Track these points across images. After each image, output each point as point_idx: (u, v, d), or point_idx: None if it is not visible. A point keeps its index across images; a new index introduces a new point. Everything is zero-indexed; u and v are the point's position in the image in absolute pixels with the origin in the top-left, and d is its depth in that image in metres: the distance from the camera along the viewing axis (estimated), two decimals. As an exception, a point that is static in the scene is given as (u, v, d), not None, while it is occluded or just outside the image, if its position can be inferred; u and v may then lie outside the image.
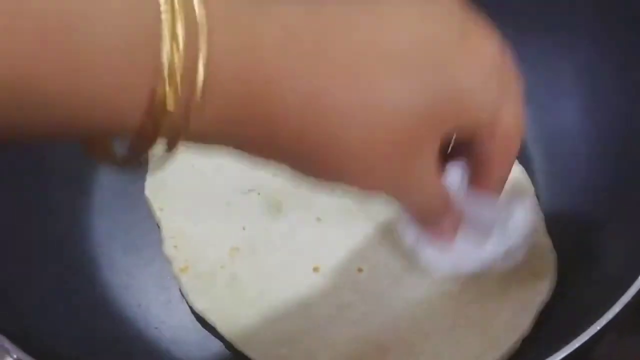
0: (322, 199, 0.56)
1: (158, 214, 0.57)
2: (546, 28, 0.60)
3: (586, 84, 0.59)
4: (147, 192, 0.58)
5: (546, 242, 0.53)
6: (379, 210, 0.55)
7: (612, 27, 0.57)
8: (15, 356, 0.42)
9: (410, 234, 0.45)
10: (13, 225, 0.53)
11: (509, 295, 0.52)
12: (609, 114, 0.57)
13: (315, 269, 0.54)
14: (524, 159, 0.59)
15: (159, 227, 0.57)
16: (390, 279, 0.53)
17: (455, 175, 0.42)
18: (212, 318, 0.53)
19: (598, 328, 0.42)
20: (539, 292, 0.51)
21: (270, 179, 0.56)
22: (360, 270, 0.54)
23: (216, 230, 0.56)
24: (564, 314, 0.51)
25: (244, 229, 0.56)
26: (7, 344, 0.43)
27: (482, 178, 0.42)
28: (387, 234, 0.55)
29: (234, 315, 0.53)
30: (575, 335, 0.43)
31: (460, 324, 0.51)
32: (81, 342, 0.50)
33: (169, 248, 0.56)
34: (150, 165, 0.57)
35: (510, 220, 0.45)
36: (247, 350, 0.51)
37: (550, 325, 0.51)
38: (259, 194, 0.57)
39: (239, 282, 0.54)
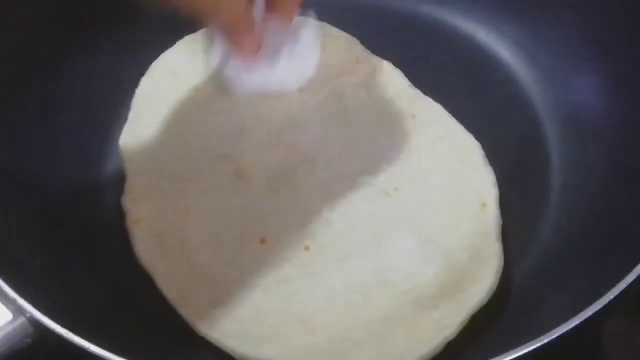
0: (285, 172, 0.58)
1: (127, 165, 0.60)
2: (566, 7, 0.62)
3: (605, 64, 0.60)
4: (122, 142, 0.61)
5: (495, 247, 0.54)
6: (338, 191, 0.57)
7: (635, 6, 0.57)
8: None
9: (219, 56, 0.57)
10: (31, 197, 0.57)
11: (445, 293, 0.53)
12: (629, 93, 0.58)
13: (263, 241, 0.56)
14: (539, 141, 0.60)
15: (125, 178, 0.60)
16: (335, 261, 0.55)
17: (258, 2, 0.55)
18: (154, 272, 0.56)
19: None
20: (473, 295, 0.52)
21: (241, 147, 0.59)
22: (307, 248, 0.56)
23: (176, 190, 0.59)
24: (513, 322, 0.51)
25: (203, 192, 0.58)
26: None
27: (276, 5, 0.55)
28: (340, 214, 0.56)
29: (174, 273, 0.56)
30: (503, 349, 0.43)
31: (391, 317, 0.52)
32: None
33: (127, 200, 0.59)
34: (131, 114, 0.61)
35: (299, 44, 0.58)
36: (180, 307, 0.54)
37: (484, 333, 0.51)
38: (227, 160, 0.60)
39: (187, 243, 0.57)
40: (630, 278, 0.45)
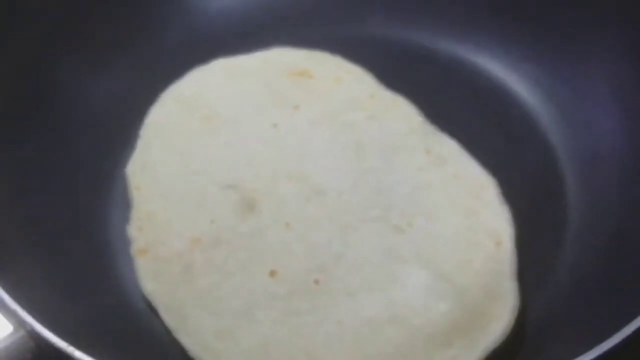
0: (295, 204, 0.58)
1: (133, 192, 0.60)
2: (585, 44, 0.62)
3: (625, 103, 0.60)
4: (129, 169, 0.62)
5: (510, 285, 0.54)
6: (349, 224, 0.57)
7: None
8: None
9: None
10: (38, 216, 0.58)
11: (459, 331, 0.52)
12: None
13: (272, 273, 0.56)
14: (556, 179, 0.60)
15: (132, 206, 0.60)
16: (345, 295, 0.55)
17: None
18: (157, 302, 0.55)
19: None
20: (488, 334, 0.51)
21: (251, 177, 0.59)
22: (316, 281, 0.55)
23: (184, 218, 0.59)
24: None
25: (212, 222, 0.58)
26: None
27: None
28: (352, 247, 0.56)
29: (178, 303, 0.55)
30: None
31: (402, 353, 0.52)
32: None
33: (133, 228, 0.59)
34: (140, 143, 0.61)
35: None
36: (182, 337, 0.54)
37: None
38: (236, 190, 0.60)
39: (193, 273, 0.56)
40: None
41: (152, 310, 0.56)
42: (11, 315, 0.45)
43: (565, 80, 0.63)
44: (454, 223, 0.57)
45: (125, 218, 0.60)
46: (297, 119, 0.63)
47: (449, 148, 0.61)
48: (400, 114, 0.63)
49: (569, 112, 0.63)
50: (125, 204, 0.61)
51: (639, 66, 0.59)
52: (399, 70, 0.66)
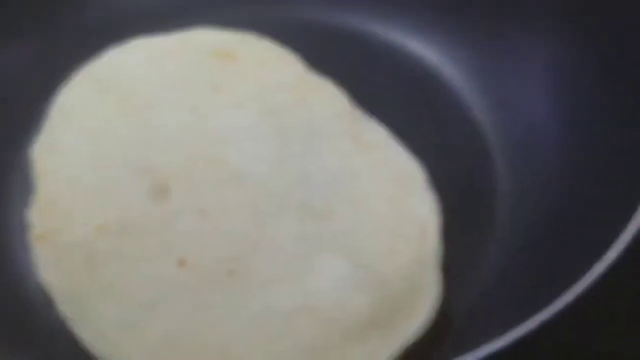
0: (212, 189, 0.55)
1: (37, 176, 0.57)
2: (517, 27, 0.61)
3: (558, 88, 0.59)
4: (34, 153, 0.58)
5: (433, 276, 0.51)
6: (267, 211, 0.54)
7: (587, 24, 0.57)
8: None
9: None
10: None
11: (377, 323, 0.49)
12: (582, 122, 0.56)
13: (182, 263, 0.53)
14: (485, 160, 0.59)
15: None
16: (259, 286, 0.52)
17: None
18: (55, 291, 0.52)
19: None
20: (407, 327, 0.49)
21: (165, 162, 0.56)
22: (230, 271, 0.52)
23: (91, 204, 0.56)
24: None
25: (121, 208, 0.55)
26: None
27: None
28: (269, 236, 0.53)
29: (79, 293, 0.52)
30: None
31: (316, 347, 0.49)
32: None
33: (33, 213, 0.55)
34: (47, 124, 0.58)
35: None
36: (79, 329, 0.50)
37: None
38: (149, 175, 0.57)
39: (96, 262, 0.53)
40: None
41: (49, 301, 0.52)
42: None
43: (497, 65, 0.61)
44: (379, 211, 0.55)
45: (26, 204, 0.56)
46: (218, 102, 0.60)
47: (377, 134, 0.59)
48: (327, 99, 0.61)
49: (501, 97, 0.61)
50: (29, 190, 0.57)
51: (571, 49, 0.57)
52: (328, 55, 0.63)
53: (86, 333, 0.50)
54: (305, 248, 0.53)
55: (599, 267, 0.45)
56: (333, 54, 0.64)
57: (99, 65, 0.63)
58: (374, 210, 0.55)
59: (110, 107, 0.61)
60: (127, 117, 0.60)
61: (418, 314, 0.49)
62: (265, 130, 0.59)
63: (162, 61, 0.63)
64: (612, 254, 0.44)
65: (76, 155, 0.58)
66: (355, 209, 0.55)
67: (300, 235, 0.53)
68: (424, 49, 0.64)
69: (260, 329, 0.50)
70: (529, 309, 0.45)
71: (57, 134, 0.59)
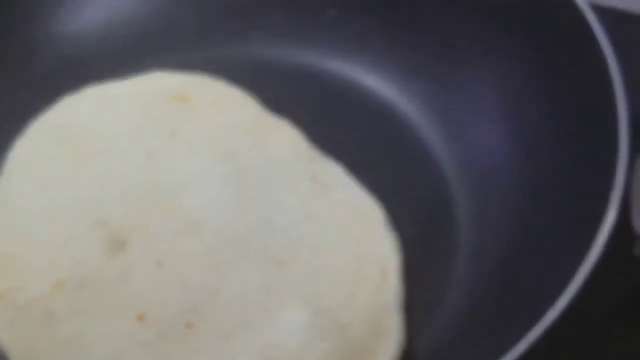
0: (168, 239, 0.55)
1: (-7, 232, 0.56)
2: (474, 61, 0.61)
3: (514, 121, 0.58)
4: (-13, 209, 0.57)
5: (395, 319, 0.51)
6: (225, 259, 0.54)
7: (540, 51, 0.57)
8: None
9: None
10: None
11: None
12: (536, 142, 0.56)
13: (140, 318, 0.52)
14: (447, 203, 0.58)
15: (-12, 248, 0.56)
16: (219, 338, 0.51)
17: None
18: (12, 353, 0.51)
19: None
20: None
21: (121, 213, 0.56)
22: (189, 323, 0.52)
23: (46, 260, 0.55)
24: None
25: (77, 263, 0.55)
26: None
27: None
28: (228, 285, 0.53)
29: (36, 353, 0.51)
30: None
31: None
32: None
33: (-13, 272, 0.54)
34: (1, 179, 0.57)
35: None
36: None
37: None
38: (105, 228, 0.56)
39: (54, 319, 0.52)
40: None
41: (6, 361, 0.51)
42: None
43: (453, 98, 0.61)
44: (340, 254, 0.54)
45: (-19, 262, 0.55)
46: (175, 147, 0.60)
47: (335, 174, 0.58)
48: (284, 140, 0.60)
49: (458, 131, 0.60)
50: (-17, 246, 0.56)
51: (530, 83, 0.57)
52: (284, 93, 0.63)
53: (44, 395, 0.49)
54: (266, 297, 0.52)
55: (561, 303, 0.44)
56: (289, 93, 0.63)
57: (52, 115, 0.62)
58: (335, 253, 0.54)
59: (65, 158, 0.60)
60: (82, 168, 0.59)
61: (381, 358, 0.49)
62: (223, 174, 0.58)
63: (117, 107, 0.62)
64: (569, 293, 0.44)
65: (31, 210, 0.58)
66: (315, 253, 0.54)
67: (260, 283, 0.53)
68: (380, 84, 0.64)
69: (220, 383, 0.49)
70: (492, 351, 0.44)
71: (11, 188, 0.59)
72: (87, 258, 0.55)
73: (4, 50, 0.64)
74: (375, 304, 0.52)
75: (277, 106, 0.62)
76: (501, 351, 0.44)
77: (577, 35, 0.53)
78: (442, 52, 0.62)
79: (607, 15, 0.54)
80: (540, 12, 0.56)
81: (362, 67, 0.64)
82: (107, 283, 0.54)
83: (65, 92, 0.63)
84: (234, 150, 0.60)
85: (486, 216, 0.56)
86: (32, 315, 0.53)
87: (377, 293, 0.52)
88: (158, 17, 0.66)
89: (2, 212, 0.57)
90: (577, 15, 0.53)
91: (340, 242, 0.55)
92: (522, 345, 0.44)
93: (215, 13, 0.66)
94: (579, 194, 0.51)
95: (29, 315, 0.53)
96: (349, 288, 0.52)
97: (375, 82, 0.64)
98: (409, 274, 0.53)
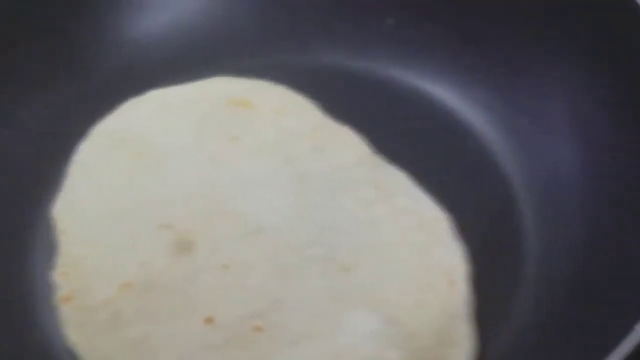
0: (234, 243, 0.55)
1: (60, 236, 0.57)
2: (542, 71, 0.60)
3: (584, 132, 0.58)
4: (55, 212, 0.58)
5: (465, 328, 0.51)
6: (290, 265, 0.54)
7: (611, 69, 0.56)
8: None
9: None
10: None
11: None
12: (604, 156, 0.56)
13: (208, 320, 0.52)
14: (513, 213, 0.57)
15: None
16: (287, 344, 0.51)
17: None
18: (82, 352, 0.52)
19: None
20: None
21: (185, 216, 0.56)
22: (256, 328, 0.52)
23: (114, 262, 0.55)
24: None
25: (143, 265, 0.55)
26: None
27: None
28: (293, 290, 0.53)
29: (105, 355, 0.52)
30: None
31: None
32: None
33: (57, 274, 0.55)
34: (67, 182, 0.58)
35: None
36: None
37: None
38: (170, 231, 0.56)
39: (121, 321, 0.53)
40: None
41: (76, 362, 0.52)
42: None
43: (521, 109, 0.61)
44: (405, 261, 0.54)
45: (50, 265, 0.56)
46: (236, 152, 0.60)
47: (398, 181, 0.58)
48: (346, 146, 0.60)
49: (526, 142, 0.60)
50: (51, 250, 0.56)
51: (597, 94, 0.56)
52: (345, 100, 0.63)
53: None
54: (332, 303, 0.52)
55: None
56: (351, 99, 0.63)
57: (115, 119, 0.63)
58: (399, 261, 0.54)
59: (128, 162, 0.60)
60: (145, 172, 0.60)
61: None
62: (285, 180, 0.58)
63: (179, 112, 0.63)
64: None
65: (96, 213, 0.58)
66: (379, 259, 0.54)
67: (326, 289, 0.53)
68: (444, 93, 0.63)
69: (290, 389, 0.49)
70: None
71: (76, 192, 0.59)
72: (154, 261, 0.55)
73: (69, 55, 0.64)
74: (444, 313, 0.51)
75: (339, 113, 0.62)
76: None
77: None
78: (508, 61, 0.61)
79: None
80: (610, 24, 0.55)
81: (425, 74, 0.64)
82: (174, 285, 0.54)
83: (128, 96, 0.63)
84: (296, 156, 0.60)
85: (554, 227, 0.56)
86: (100, 316, 0.53)
87: (445, 302, 0.52)
88: (221, 23, 0.67)
89: (69, 215, 0.58)
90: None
91: (405, 249, 0.55)
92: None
93: (278, 20, 0.66)
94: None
95: (97, 317, 0.53)
96: (416, 296, 0.52)
97: (438, 90, 0.64)
98: (475, 283, 0.53)
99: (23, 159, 0.61)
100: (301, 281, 0.53)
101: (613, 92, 0.56)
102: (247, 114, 0.62)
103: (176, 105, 0.63)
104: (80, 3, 0.64)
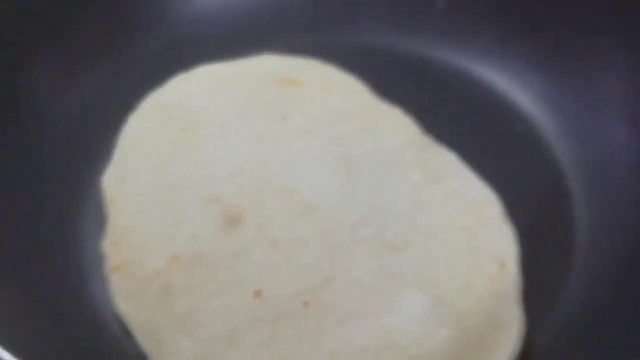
0: (283, 220, 0.55)
1: (109, 206, 0.57)
2: (593, 54, 0.60)
3: (635, 116, 0.58)
4: (105, 182, 0.58)
5: (515, 311, 0.50)
6: (340, 243, 0.54)
7: None
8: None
9: None
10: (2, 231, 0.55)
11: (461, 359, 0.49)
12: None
13: (257, 294, 0.52)
14: (563, 197, 0.57)
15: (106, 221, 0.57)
16: (336, 320, 0.51)
17: None
18: (131, 322, 0.52)
19: None
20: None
21: (234, 191, 0.56)
22: (305, 304, 0.52)
23: (163, 234, 0.55)
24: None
25: (192, 238, 0.55)
26: None
27: None
28: (343, 268, 0.53)
29: (155, 326, 0.52)
30: None
31: (397, 385, 0.48)
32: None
33: (108, 244, 0.55)
34: (116, 153, 0.58)
35: None
36: (155, 361, 0.50)
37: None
38: (219, 205, 0.56)
39: (170, 293, 0.53)
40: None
41: (126, 332, 0.52)
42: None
43: (571, 92, 0.60)
44: (454, 243, 0.54)
45: (99, 234, 0.56)
46: (285, 130, 0.60)
47: (448, 162, 0.58)
48: (395, 126, 0.60)
49: (576, 125, 0.60)
50: (101, 219, 0.57)
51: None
52: (394, 81, 0.63)
53: (163, 367, 0.50)
54: (382, 282, 0.52)
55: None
56: (399, 80, 0.63)
57: (164, 93, 0.63)
58: (449, 242, 0.54)
59: (176, 136, 0.60)
60: (193, 146, 0.60)
61: (501, 351, 0.48)
62: (333, 159, 0.58)
63: (227, 88, 0.63)
64: None
65: (145, 185, 0.58)
66: (429, 240, 0.54)
67: (375, 268, 0.53)
68: (493, 75, 0.63)
69: (338, 366, 0.49)
70: (614, 348, 0.44)
71: (125, 163, 0.59)
72: (202, 234, 0.55)
73: (119, 29, 0.65)
74: (494, 295, 0.51)
75: (387, 94, 0.61)
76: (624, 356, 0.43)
77: None
78: (560, 44, 0.61)
79: None
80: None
81: (475, 57, 0.64)
82: (223, 259, 0.54)
83: (176, 71, 0.63)
84: (345, 135, 0.59)
85: (605, 213, 0.56)
86: (149, 288, 0.53)
87: (495, 284, 0.52)
88: (270, 0, 0.66)
89: (118, 186, 0.58)
90: None
91: (454, 230, 0.55)
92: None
93: (328, -1, 0.66)
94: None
95: (146, 288, 0.53)
96: (465, 277, 0.52)
97: (488, 72, 0.64)
98: (525, 267, 0.53)
99: (74, 130, 0.61)
100: (351, 260, 0.53)
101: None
102: (295, 92, 0.62)
103: (225, 81, 0.63)
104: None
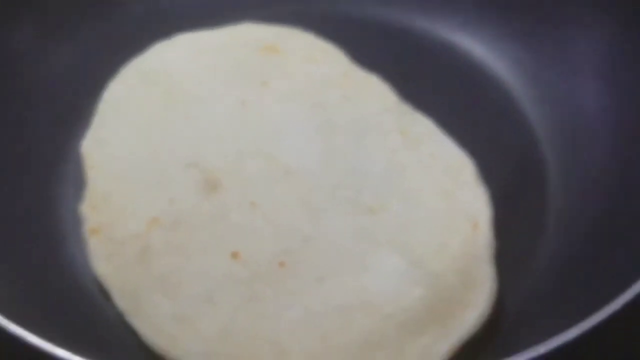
0: (262, 183, 0.55)
1: (88, 170, 0.57)
2: (567, 21, 0.61)
3: (608, 81, 0.58)
4: (84, 147, 0.58)
5: (487, 270, 0.51)
6: (318, 205, 0.54)
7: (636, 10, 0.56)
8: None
9: None
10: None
11: (433, 318, 0.49)
12: (627, 102, 0.56)
13: (234, 255, 0.53)
14: (537, 161, 0.58)
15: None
16: (312, 280, 0.52)
17: None
18: (109, 284, 0.52)
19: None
20: (464, 321, 0.49)
21: (214, 156, 0.56)
22: (282, 264, 0.52)
23: (141, 198, 0.56)
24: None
25: (171, 202, 0.55)
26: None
27: None
28: (320, 230, 0.53)
29: (133, 287, 0.52)
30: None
31: (373, 341, 0.49)
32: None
33: (86, 207, 0.55)
34: (96, 118, 0.58)
35: None
36: (136, 322, 0.51)
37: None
38: (198, 169, 0.57)
39: (149, 255, 0.53)
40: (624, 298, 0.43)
41: (104, 294, 0.52)
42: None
43: (545, 58, 0.61)
44: (430, 205, 0.55)
45: (78, 198, 0.56)
46: (266, 96, 0.61)
47: (425, 128, 0.59)
48: (373, 93, 0.60)
49: (550, 90, 0.60)
50: (80, 183, 0.57)
51: (623, 42, 0.57)
52: (374, 50, 0.63)
53: (142, 326, 0.50)
54: (359, 243, 0.53)
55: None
56: (379, 49, 0.64)
57: (145, 59, 0.63)
58: (425, 204, 0.54)
59: (157, 101, 0.61)
60: (174, 111, 0.60)
61: (474, 309, 0.49)
62: (313, 125, 0.59)
63: (209, 55, 0.63)
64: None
65: (125, 150, 0.59)
66: (406, 203, 0.55)
67: (353, 230, 0.53)
68: (470, 43, 0.64)
69: (315, 324, 0.50)
70: (584, 306, 0.44)
71: (105, 128, 0.60)
72: (182, 197, 0.55)
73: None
74: (467, 255, 0.52)
75: (366, 62, 0.62)
76: (592, 310, 0.43)
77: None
78: (533, 12, 0.62)
79: None
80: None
81: (452, 26, 0.65)
82: (202, 222, 0.54)
83: (158, 38, 0.63)
84: (324, 101, 0.60)
85: (576, 175, 0.56)
86: (128, 250, 0.54)
87: (469, 244, 0.52)
88: (251, -32, 0.67)
89: (97, 150, 0.58)
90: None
91: (431, 193, 0.55)
92: (614, 306, 0.44)
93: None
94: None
95: (125, 250, 0.54)
96: (440, 238, 0.53)
97: (464, 40, 0.64)
98: (498, 228, 0.53)
99: (54, 95, 0.61)
100: (328, 221, 0.54)
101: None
102: (276, 59, 0.62)
103: (206, 48, 0.64)
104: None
